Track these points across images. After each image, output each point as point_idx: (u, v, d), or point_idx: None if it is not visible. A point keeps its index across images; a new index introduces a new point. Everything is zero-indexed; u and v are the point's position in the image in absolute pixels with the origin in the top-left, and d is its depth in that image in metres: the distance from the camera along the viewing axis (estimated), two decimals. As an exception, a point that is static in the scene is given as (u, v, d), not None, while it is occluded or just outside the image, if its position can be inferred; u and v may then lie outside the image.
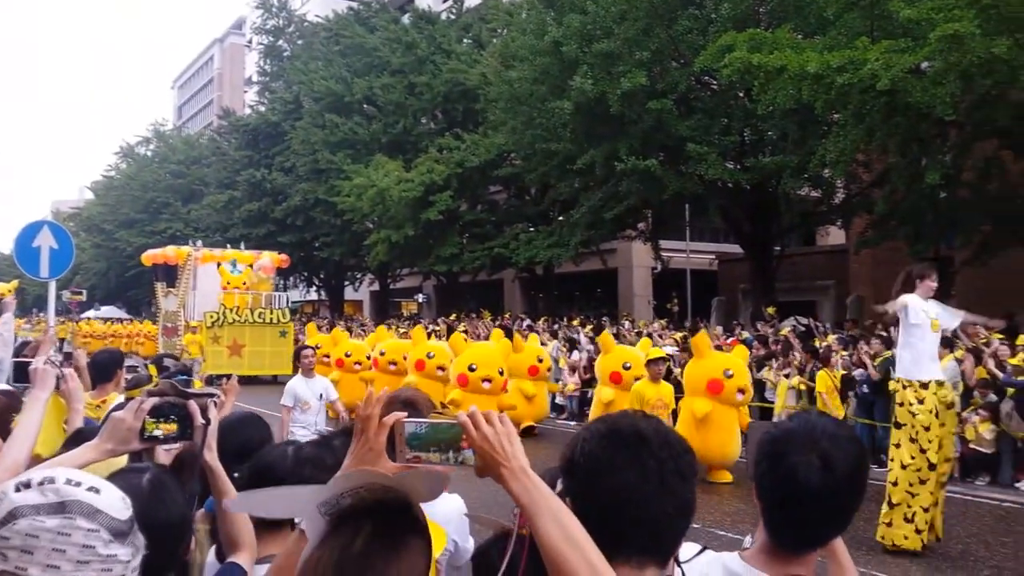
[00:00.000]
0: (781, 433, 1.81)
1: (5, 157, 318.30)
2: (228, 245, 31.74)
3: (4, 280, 30.61)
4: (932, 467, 7.46)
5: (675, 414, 10.78)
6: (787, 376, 13.73)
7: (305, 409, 8.34)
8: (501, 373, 13.31)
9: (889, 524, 7.61)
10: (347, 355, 17.05)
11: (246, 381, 23.34)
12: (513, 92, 23.79)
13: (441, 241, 30.77)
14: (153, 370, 6.75)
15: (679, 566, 1.55)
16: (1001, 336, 11.73)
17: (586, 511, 1.47)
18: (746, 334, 17.74)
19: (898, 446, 7.57)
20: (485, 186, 31.94)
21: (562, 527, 1.37)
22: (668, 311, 28.14)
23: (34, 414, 2.61)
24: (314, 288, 48.47)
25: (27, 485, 1.30)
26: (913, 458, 7.51)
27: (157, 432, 1.97)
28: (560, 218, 27.63)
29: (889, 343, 13.32)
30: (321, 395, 8.52)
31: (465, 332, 19.45)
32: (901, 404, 7.60)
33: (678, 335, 18.02)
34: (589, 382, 17.45)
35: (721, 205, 22.28)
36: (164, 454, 2.14)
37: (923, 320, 7.37)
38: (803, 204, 23.34)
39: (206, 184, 50.62)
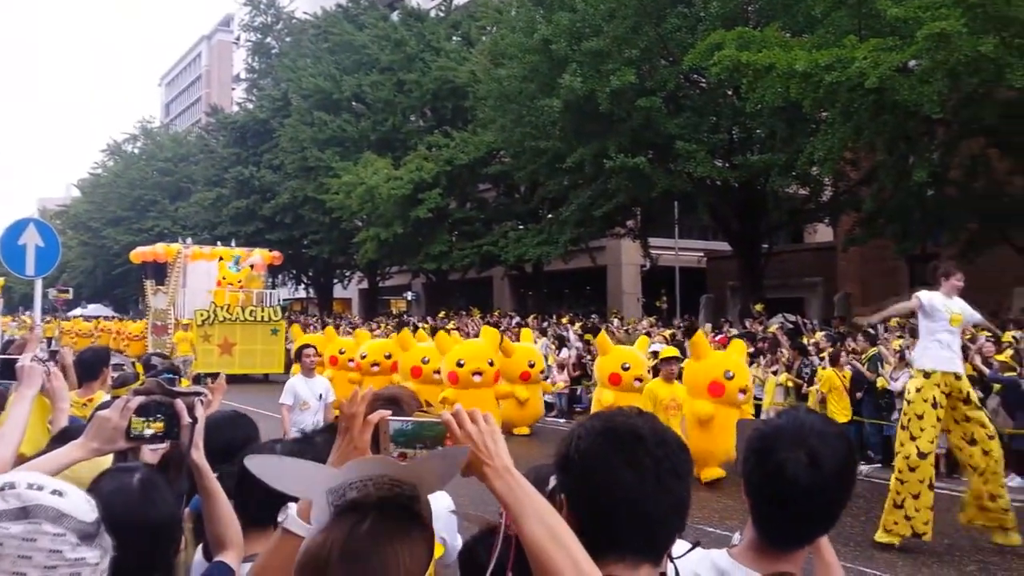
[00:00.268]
0: (769, 430, 1.81)
1: (13, 150, 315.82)
2: (219, 242, 31.56)
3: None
4: (922, 455, 7.50)
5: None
6: (775, 373, 13.79)
7: (304, 409, 8.22)
8: (491, 364, 13.13)
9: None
10: (341, 352, 17.05)
11: (237, 380, 23.19)
12: (502, 90, 23.78)
13: (430, 239, 30.72)
14: (140, 368, 6.72)
15: (672, 562, 1.55)
16: (987, 333, 11.79)
17: (581, 508, 1.47)
18: (734, 331, 17.80)
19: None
20: (474, 184, 31.92)
21: (547, 526, 1.37)
22: (657, 309, 28.19)
23: (21, 412, 2.60)
24: (302, 286, 48.34)
25: None
26: (903, 444, 7.61)
27: (144, 431, 1.96)
28: (549, 216, 27.65)
29: (874, 340, 13.42)
30: (321, 395, 8.38)
31: (457, 330, 19.42)
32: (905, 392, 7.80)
33: (667, 332, 18.06)
34: (578, 379, 17.49)
35: (710, 203, 22.33)
36: (150, 453, 2.13)
37: (942, 314, 7.47)
38: (791, 202, 23.44)
39: (194, 182, 50.36)
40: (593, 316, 25.56)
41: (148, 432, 1.96)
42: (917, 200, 17.88)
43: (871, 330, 14.56)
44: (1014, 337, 12.61)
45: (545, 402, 17.81)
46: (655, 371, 11.31)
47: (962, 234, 18.18)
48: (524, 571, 1.40)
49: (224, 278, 27.50)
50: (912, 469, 7.54)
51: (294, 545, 1.61)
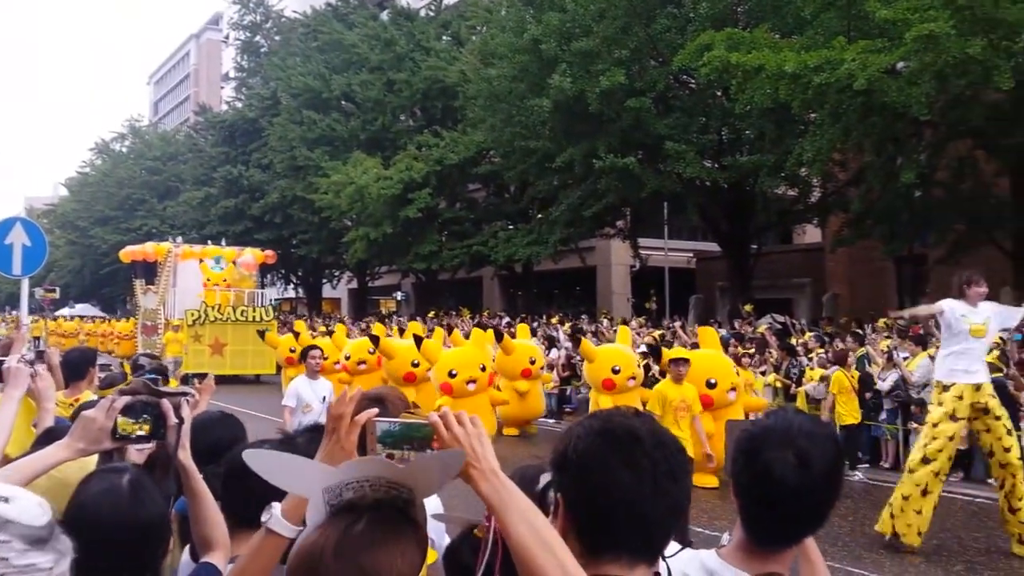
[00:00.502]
0: (758, 430, 1.81)
1: (13, 150, 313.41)
2: (209, 241, 31.35)
3: (-24, 278, 30.12)
4: (925, 461, 7.52)
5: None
6: (763, 373, 13.82)
7: (307, 412, 8.03)
8: (483, 369, 12.78)
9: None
10: (292, 351, 16.94)
11: (228, 380, 22.99)
12: (492, 90, 23.77)
13: (420, 239, 30.67)
14: (128, 369, 6.68)
15: (664, 561, 1.55)
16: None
17: (578, 508, 1.48)
18: (723, 331, 17.84)
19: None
20: (464, 184, 31.90)
21: (532, 528, 1.37)
22: (646, 309, 28.23)
23: (6, 414, 2.58)
24: (292, 286, 48.20)
25: None
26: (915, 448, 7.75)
27: (130, 431, 1.94)
28: (539, 216, 27.66)
29: (862, 341, 13.48)
30: (325, 397, 8.17)
31: (450, 327, 19.31)
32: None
33: (657, 333, 18.08)
34: (567, 380, 17.49)
35: (699, 203, 22.38)
36: (136, 454, 2.11)
37: (960, 326, 7.44)
38: (780, 203, 23.52)
39: (182, 181, 50.13)
40: (583, 316, 25.58)
41: (134, 432, 1.95)
42: (905, 201, 17.98)
43: (858, 331, 14.63)
44: (1000, 339, 12.67)
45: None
46: (662, 373, 11.09)
47: (949, 235, 18.29)
48: (511, 574, 1.40)
49: (209, 279, 27.19)
50: (911, 471, 7.59)
51: (277, 545, 1.60)
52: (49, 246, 9.34)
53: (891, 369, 12.04)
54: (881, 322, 17.00)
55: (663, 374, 15.38)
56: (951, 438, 7.52)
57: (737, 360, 12.29)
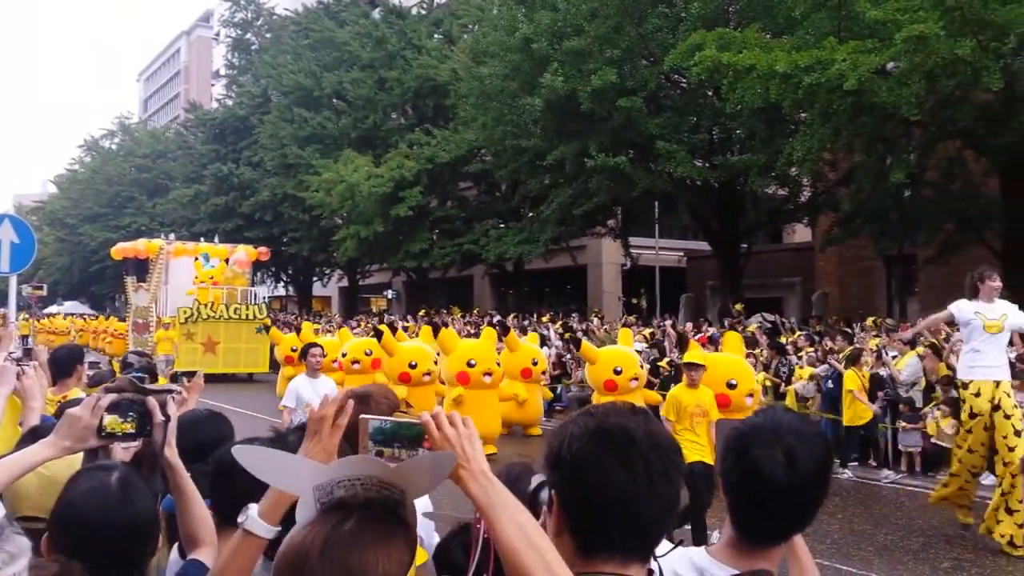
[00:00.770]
0: (747, 428, 1.82)
1: (13, 149, 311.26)
2: (202, 239, 31.17)
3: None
4: (960, 461, 7.78)
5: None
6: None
7: (308, 411, 8.01)
8: (498, 365, 12.71)
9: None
10: (293, 350, 16.86)
11: (221, 379, 22.72)
12: (483, 88, 23.75)
13: (411, 237, 30.63)
14: (117, 367, 6.64)
15: (656, 560, 1.55)
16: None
17: (572, 507, 1.48)
18: (713, 330, 17.88)
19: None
20: (455, 182, 31.87)
21: (520, 529, 1.38)
22: (637, 308, 28.29)
23: (-8, 411, 2.56)
24: (282, 284, 48.08)
25: None
26: (959, 447, 7.88)
27: (115, 429, 1.93)
28: (530, 214, 27.65)
29: (851, 339, 13.53)
30: (327, 396, 8.15)
31: (438, 325, 19.28)
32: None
33: (647, 331, 18.11)
34: (558, 378, 17.51)
35: (690, 203, 22.42)
36: (122, 451, 2.10)
37: (973, 324, 7.46)
38: (770, 202, 23.59)
39: (172, 178, 49.94)
40: (573, 315, 25.60)
41: (120, 430, 1.93)
42: (894, 201, 18.06)
43: (847, 329, 14.68)
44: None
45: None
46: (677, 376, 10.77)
47: (938, 235, 18.38)
48: (502, 575, 1.40)
49: (196, 276, 26.88)
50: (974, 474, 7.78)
51: (254, 546, 1.59)
52: (38, 243, 9.28)
53: (879, 368, 12.08)
54: (869, 321, 17.07)
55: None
56: (980, 441, 7.61)
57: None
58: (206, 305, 24.86)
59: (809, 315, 22.63)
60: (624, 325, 18.19)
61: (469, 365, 12.21)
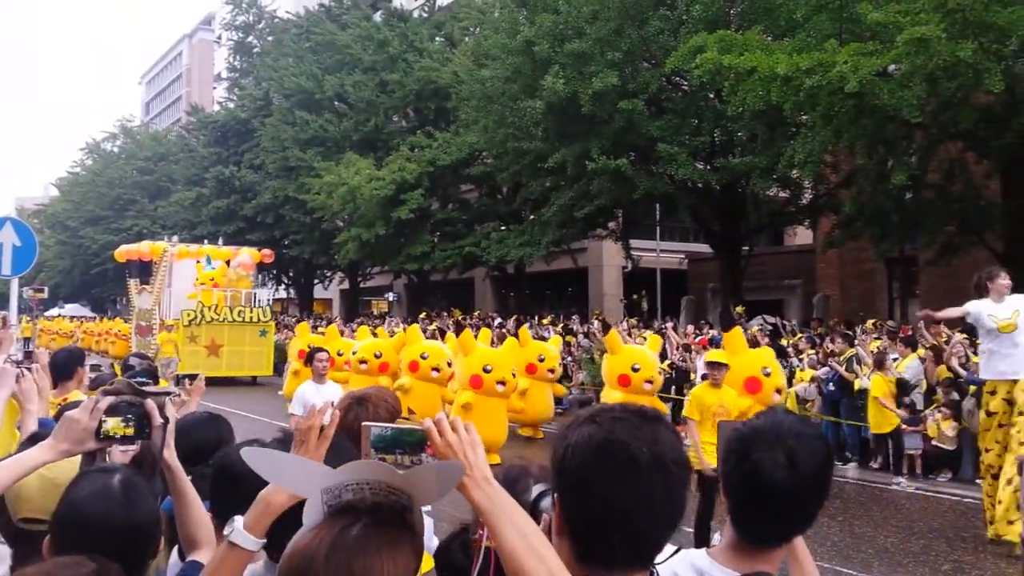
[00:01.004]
0: (748, 430, 1.82)
1: (13, 149, 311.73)
2: (206, 240, 31.10)
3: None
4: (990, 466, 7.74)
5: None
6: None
7: (292, 421, 7.97)
8: (514, 376, 12.42)
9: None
10: (339, 354, 16.86)
11: (224, 382, 22.67)
12: (485, 91, 23.75)
13: (412, 239, 30.62)
14: (118, 370, 6.64)
15: (653, 568, 1.55)
16: (965, 335, 11.90)
17: (573, 514, 1.48)
18: (714, 333, 17.87)
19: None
20: (456, 185, 31.86)
21: (523, 535, 1.38)
22: (638, 309, 28.25)
23: (-8, 413, 2.56)
24: (283, 286, 48.11)
25: None
26: (988, 450, 7.82)
27: (114, 432, 1.93)
28: (531, 217, 27.62)
29: (852, 342, 13.52)
30: (334, 403, 8.04)
31: (442, 332, 19.28)
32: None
33: (647, 333, 18.07)
34: (558, 380, 17.47)
35: (691, 205, 22.41)
36: (120, 454, 2.10)
37: (987, 324, 7.47)
38: (771, 204, 23.56)
39: (174, 181, 49.97)
40: (574, 316, 25.58)
41: (119, 433, 1.94)
42: (895, 203, 18.04)
43: (848, 332, 14.67)
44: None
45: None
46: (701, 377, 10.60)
47: (939, 237, 18.35)
48: None
49: (197, 278, 26.58)
50: (994, 476, 7.70)
51: (239, 558, 1.59)
52: (39, 246, 9.29)
53: (886, 371, 12.05)
54: (870, 323, 17.05)
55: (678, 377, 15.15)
56: (997, 440, 7.63)
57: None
58: (210, 308, 24.65)
59: (810, 317, 22.61)
60: (658, 332, 17.82)
61: (485, 370, 11.90)
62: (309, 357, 8.10)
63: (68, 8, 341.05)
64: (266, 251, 30.28)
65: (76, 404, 2.26)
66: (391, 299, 41.90)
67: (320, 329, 23.70)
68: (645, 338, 15.68)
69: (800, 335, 16.48)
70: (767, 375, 9.81)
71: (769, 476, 1.71)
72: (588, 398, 16.53)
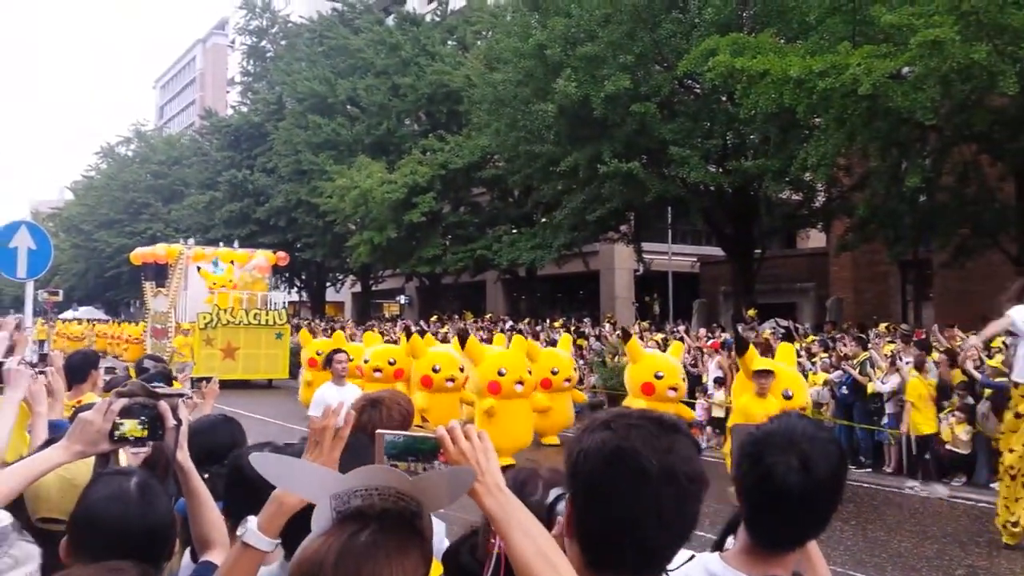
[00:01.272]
0: (762, 434, 1.82)
1: (13, 149, 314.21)
2: (221, 243, 31.16)
3: (-19, 280, 30.09)
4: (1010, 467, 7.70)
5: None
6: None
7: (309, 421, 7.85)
8: (529, 373, 12.17)
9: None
10: (318, 353, 16.86)
11: (240, 385, 22.62)
12: (497, 94, 23.78)
13: (424, 243, 30.68)
14: (133, 372, 6.68)
15: (667, 575, 1.55)
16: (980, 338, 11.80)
17: (583, 519, 1.47)
18: (726, 336, 17.81)
19: None
20: (468, 188, 31.90)
21: (535, 544, 1.38)
22: (650, 313, 28.19)
23: (7, 416, 2.58)
24: (295, 289, 48.27)
25: None
26: (1012, 451, 7.77)
27: (128, 434, 1.94)
28: (543, 220, 27.63)
29: (865, 345, 13.45)
30: (328, 408, 7.98)
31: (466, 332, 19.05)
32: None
33: (658, 336, 18.05)
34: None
35: (703, 208, 22.37)
36: (132, 456, 2.11)
37: (1023, 328, 7.45)
38: (784, 207, 23.49)
39: (187, 185, 50.23)
40: (585, 320, 25.56)
41: (133, 435, 1.95)
42: (909, 206, 17.96)
43: (861, 335, 14.59)
44: (1004, 343, 12.62)
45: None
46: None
47: (953, 240, 18.26)
48: None
49: (215, 283, 26.40)
50: (1012, 477, 7.66)
51: (253, 558, 1.60)
52: (54, 249, 9.34)
53: (894, 373, 11.99)
54: (883, 327, 16.96)
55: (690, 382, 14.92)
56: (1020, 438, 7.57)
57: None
58: (225, 311, 24.57)
59: (823, 320, 22.51)
60: (679, 339, 17.63)
61: (500, 374, 11.67)
62: (328, 359, 7.94)
63: (85, 13, 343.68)
64: (281, 254, 30.18)
65: (91, 406, 2.27)
66: (403, 302, 41.97)
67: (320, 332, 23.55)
68: (657, 342, 15.60)
69: (812, 338, 16.39)
70: (788, 398, 9.50)
71: (782, 480, 1.70)
72: (600, 402, 16.49)
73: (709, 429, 14.54)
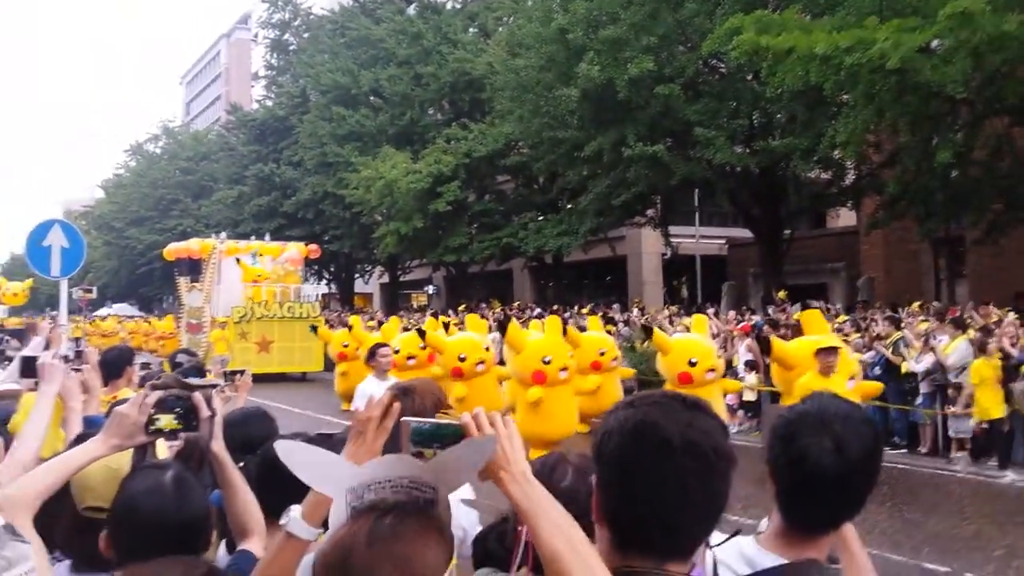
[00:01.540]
0: (795, 416, 1.80)
1: (16, 158, 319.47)
2: (253, 237, 31.28)
3: (19, 280, 30.61)
4: None
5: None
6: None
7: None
8: (571, 357, 11.67)
9: None
10: (345, 346, 17.06)
11: (275, 378, 22.69)
12: (520, 80, 23.71)
13: (450, 232, 30.75)
14: (167, 367, 6.77)
15: (710, 549, 1.54)
16: (1016, 316, 11.64)
17: (609, 500, 1.47)
18: (757, 318, 17.68)
19: None
20: (493, 176, 31.89)
21: (562, 533, 1.37)
22: (679, 297, 28.04)
23: (42, 411, 2.62)
24: (324, 281, 48.62)
25: None
26: None
27: (163, 426, 1.97)
28: (568, 206, 27.57)
29: (898, 324, 13.28)
30: (372, 398, 7.90)
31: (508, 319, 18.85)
32: None
33: (687, 321, 17.94)
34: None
35: (730, 189, 22.18)
36: (166, 449, 2.14)
37: None
38: (813, 187, 23.20)
39: (215, 180, 50.74)
40: (614, 305, 25.49)
41: (168, 427, 1.98)
42: (941, 182, 17.66)
43: (893, 314, 14.41)
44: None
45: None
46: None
47: (986, 216, 17.96)
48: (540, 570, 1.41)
49: (260, 276, 26.13)
50: None
51: (296, 548, 1.61)
52: (86, 247, 9.46)
53: (927, 352, 11.84)
54: (915, 305, 16.75)
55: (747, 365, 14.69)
56: None
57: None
58: (259, 304, 24.57)
59: (854, 301, 22.26)
60: (698, 312, 17.39)
61: (545, 362, 11.20)
62: (371, 353, 7.84)
63: (113, 13, 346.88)
64: (313, 246, 30.11)
65: (126, 402, 2.30)
66: (431, 292, 42.12)
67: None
68: (686, 326, 15.24)
69: (844, 318, 16.21)
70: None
71: (816, 461, 1.69)
72: (630, 387, 16.43)
73: (741, 413, 14.46)
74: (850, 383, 9.38)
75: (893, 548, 7.30)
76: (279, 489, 1.91)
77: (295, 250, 28.16)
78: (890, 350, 12.45)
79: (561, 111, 22.49)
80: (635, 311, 22.35)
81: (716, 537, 1.55)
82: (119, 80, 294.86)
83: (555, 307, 24.48)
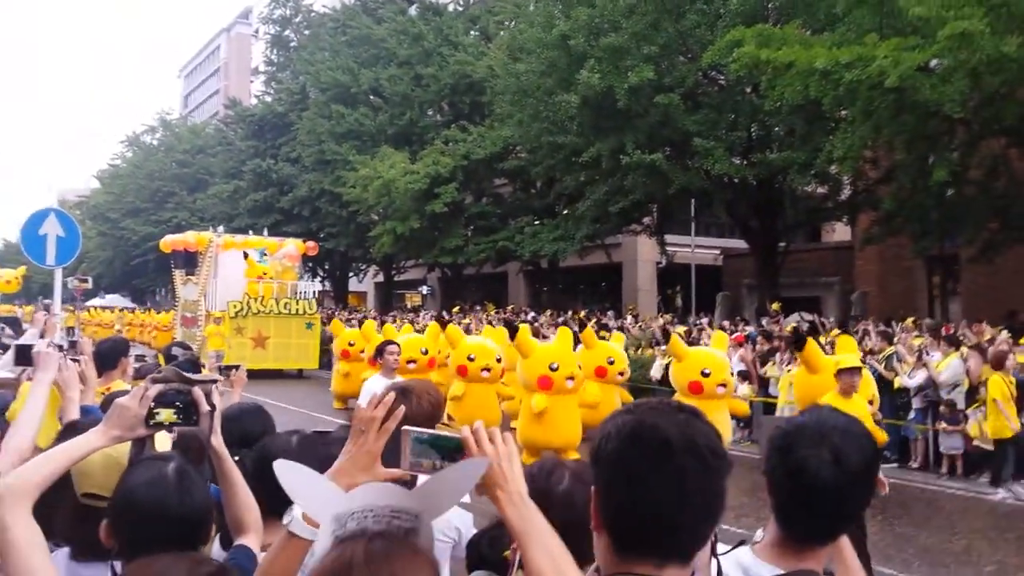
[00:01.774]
0: (792, 428, 1.81)
1: (12, 149, 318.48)
2: (251, 231, 31.17)
3: (11, 267, 30.47)
4: None
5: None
6: (790, 371, 13.68)
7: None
8: (579, 367, 11.63)
9: None
10: (351, 344, 16.84)
11: (270, 375, 22.49)
12: (520, 85, 23.75)
13: (446, 233, 30.75)
14: (162, 360, 6.74)
15: (716, 558, 1.54)
16: (1009, 334, 11.69)
17: (608, 505, 1.47)
18: (750, 329, 17.73)
19: None
20: (491, 179, 31.91)
21: (551, 556, 1.39)
22: (673, 305, 28.06)
23: (38, 399, 2.61)
24: (319, 279, 48.52)
25: None
26: None
27: (164, 419, 1.98)
28: (565, 211, 27.60)
29: (891, 339, 13.33)
30: (374, 396, 7.85)
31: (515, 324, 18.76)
32: None
33: (681, 329, 17.98)
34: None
35: (727, 200, 22.24)
36: (162, 441, 2.14)
37: None
38: (809, 200, 23.29)
39: (212, 174, 50.61)
40: (608, 312, 25.51)
41: (168, 420, 1.99)
42: (936, 200, 17.75)
43: (887, 329, 14.46)
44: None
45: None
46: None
47: (981, 234, 18.04)
48: None
49: (264, 273, 25.71)
50: None
51: (298, 548, 1.61)
52: (81, 237, 9.42)
53: (920, 367, 11.88)
54: (909, 321, 16.81)
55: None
56: None
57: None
58: (256, 300, 24.34)
59: (848, 315, 22.32)
60: (720, 328, 17.07)
61: (552, 369, 11.12)
62: (379, 350, 7.73)
63: (111, 6, 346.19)
64: (310, 243, 29.88)
65: (120, 393, 2.31)
66: (425, 292, 42.11)
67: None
68: (680, 334, 15.25)
69: (837, 333, 16.24)
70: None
71: (815, 473, 1.70)
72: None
73: (733, 423, 14.45)
74: (870, 406, 9.08)
75: (884, 561, 7.31)
76: (274, 485, 1.91)
77: (292, 246, 27.89)
78: (883, 365, 12.48)
79: (561, 117, 22.54)
80: (629, 318, 22.38)
81: (721, 547, 1.56)
82: (119, 80, 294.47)
83: (550, 312, 24.49)
